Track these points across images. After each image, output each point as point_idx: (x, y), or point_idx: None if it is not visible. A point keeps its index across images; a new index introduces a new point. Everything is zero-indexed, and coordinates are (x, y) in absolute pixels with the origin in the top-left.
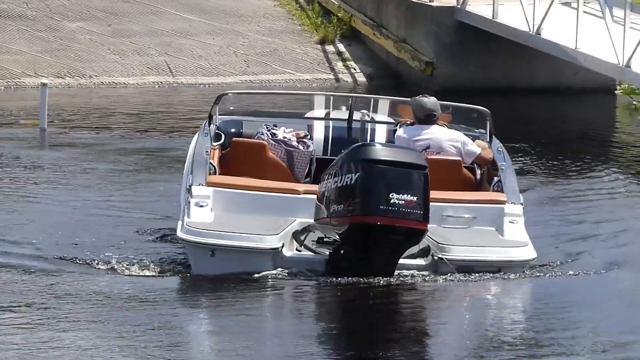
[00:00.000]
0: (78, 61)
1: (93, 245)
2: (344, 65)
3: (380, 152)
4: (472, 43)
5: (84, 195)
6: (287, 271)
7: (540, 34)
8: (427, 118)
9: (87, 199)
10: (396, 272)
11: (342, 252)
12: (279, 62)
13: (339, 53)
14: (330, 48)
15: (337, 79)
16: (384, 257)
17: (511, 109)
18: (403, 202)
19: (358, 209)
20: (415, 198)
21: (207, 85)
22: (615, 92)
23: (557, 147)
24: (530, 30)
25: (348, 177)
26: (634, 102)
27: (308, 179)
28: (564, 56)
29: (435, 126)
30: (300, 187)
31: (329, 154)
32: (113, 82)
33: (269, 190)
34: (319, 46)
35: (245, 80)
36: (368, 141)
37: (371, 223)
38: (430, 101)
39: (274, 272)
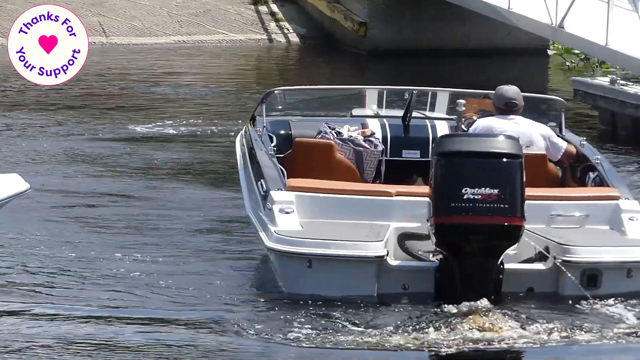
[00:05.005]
0: (10, 21)
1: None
2: (277, 26)
3: (454, 143)
4: (405, 4)
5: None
6: (391, 291)
7: None
8: (508, 107)
9: None
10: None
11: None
12: (212, 23)
13: (272, 13)
14: (263, 8)
15: (271, 40)
16: (476, 261)
17: (443, 71)
18: (480, 196)
19: (432, 209)
20: (495, 191)
21: (140, 46)
22: (549, 52)
23: None
24: None
25: (430, 175)
26: (567, 63)
27: (378, 181)
28: (497, 17)
29: (520, 117)
30: (392, 188)
31: (388, 155)
32: None
33: (359, 193)
34: (252, 6)
35: (179, 41)
36: (431, 138)
37: (446, 224)
38: (512, 89)
39: (376, 295)
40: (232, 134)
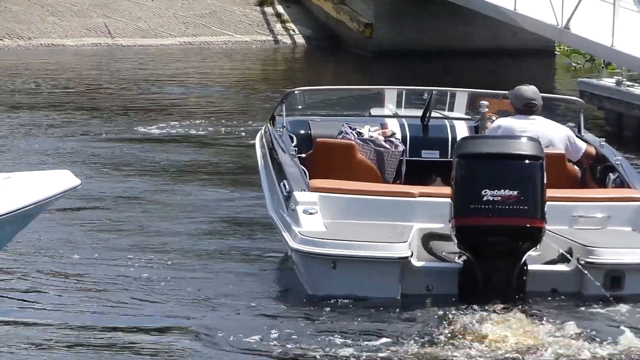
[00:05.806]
0: (16, 22)
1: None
2: (282, 27)
3: (475, 145)
4: (411, 5)
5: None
6: (414, 292)
7: None
8: (527, 107)
9: None
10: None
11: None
12: (218, 24)
13: (278, 15)
14: (269, 10)
15: (276, 41)
16: (497, 262)
17: (447, 72)
18: (499, 198)
19: (453, 211)
20: (515, 192)
21: (145, 47)
22: (556, 52)
23: None
24: None
25: (452, 176)
26: (573, 64)
27: (398, 182)
28: (502, 18)
29: (540, 117)
30: (415, 189)
31: (407, 155)
32: (51, 44)
33: (383, 194)
34: (258, 8)
35: (184, 42)
36: (450, 138)
37: (465, 225)
38: (530, 89)
39: (399, 297)
40: (244, 134)
